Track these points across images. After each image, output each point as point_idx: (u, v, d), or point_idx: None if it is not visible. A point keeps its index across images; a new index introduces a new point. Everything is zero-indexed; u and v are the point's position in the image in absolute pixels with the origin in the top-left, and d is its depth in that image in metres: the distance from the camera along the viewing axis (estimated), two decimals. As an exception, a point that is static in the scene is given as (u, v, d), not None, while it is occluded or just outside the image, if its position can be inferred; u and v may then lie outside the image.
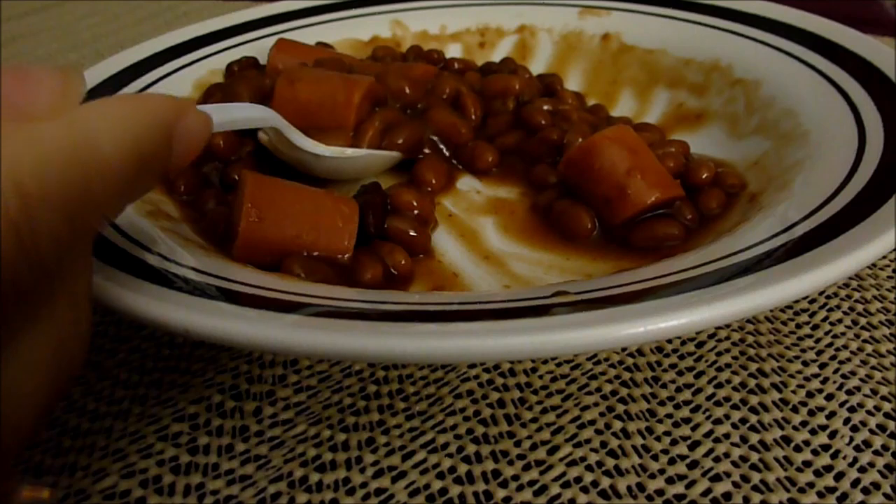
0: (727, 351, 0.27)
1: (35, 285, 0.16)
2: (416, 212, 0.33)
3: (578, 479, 0.23)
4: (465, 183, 0.37)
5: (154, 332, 0.29)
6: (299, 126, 0.34)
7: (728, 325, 0.29)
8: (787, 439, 0.24)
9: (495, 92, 0.41)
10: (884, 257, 0.32)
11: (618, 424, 0.25)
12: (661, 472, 0.23)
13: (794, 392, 0.25)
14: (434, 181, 0.36)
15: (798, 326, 0.29)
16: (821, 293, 0.30)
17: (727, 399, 0.25)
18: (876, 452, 0.23)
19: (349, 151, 0.35)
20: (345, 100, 0.35)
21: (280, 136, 0.33)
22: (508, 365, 0.27)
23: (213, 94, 0.41)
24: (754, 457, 0.23)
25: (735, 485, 0.22)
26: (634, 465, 0.23)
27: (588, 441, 0.24)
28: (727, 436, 0.24)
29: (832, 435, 0.24)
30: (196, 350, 0.28)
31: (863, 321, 0.29)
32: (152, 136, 0.19)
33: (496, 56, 0.49)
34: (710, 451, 0.24)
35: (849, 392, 0.25)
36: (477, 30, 0.49)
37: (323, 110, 0.35)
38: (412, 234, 0.31)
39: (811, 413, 0.25)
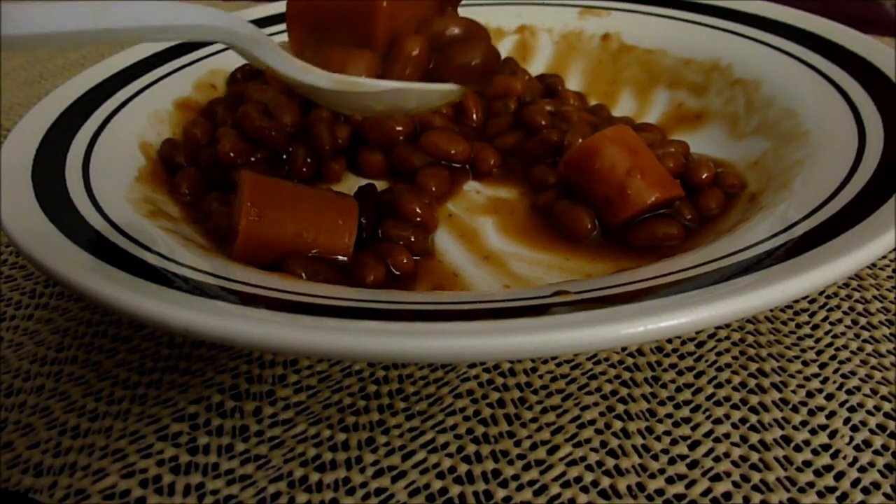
0: (727, 351, 0.27)
1: None
2: (418, 219, 0.32)
3: (578, 479, 0.23)
4: (466, 183, 0.37)
5: (154, 332, 0.29)
6: (317, 37, 0.24)
7: (728, 325, 0.29)
8: (787, 439, 0.24)
9: (497, 93, 0.41)
10: (884, 257, 0.32)
11: (618, 424, 0.25)
12: (661, 471, 0.23)
13: (794, 392, 0.25)
14: (435, 189, 0.35)
15: (798, 326, 0.29)
16: (821, 293, 0.30)
17: (727, 399, 0.25)
18: (876, 452, 0.23)
19: (366, 83, 0.24)
20: (365, 6, 0.24)
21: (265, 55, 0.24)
22: (508, 365, 0.27)
23: (213, 111, 0.41)
24: (754, 457, 0.23)
25: (735, 485, 0.22)
26: (634, 464, 0.23)
27: (588, 441, 0.24)
28: (727, 436, 0.24)
29: (832, 435, 0.24)
30: (196, 350, 0.28)
31: (863, 321, 0.29)
32: None
33: (496, 56, 0.49)
34: (710, 450, 0.23)
35: (849, 392, 0.25)
36: (477, 30, 0.49)
37: (342, 19, 0.25)
38: (411, 239, 0.31)
39: (811, 413, 0.25)
